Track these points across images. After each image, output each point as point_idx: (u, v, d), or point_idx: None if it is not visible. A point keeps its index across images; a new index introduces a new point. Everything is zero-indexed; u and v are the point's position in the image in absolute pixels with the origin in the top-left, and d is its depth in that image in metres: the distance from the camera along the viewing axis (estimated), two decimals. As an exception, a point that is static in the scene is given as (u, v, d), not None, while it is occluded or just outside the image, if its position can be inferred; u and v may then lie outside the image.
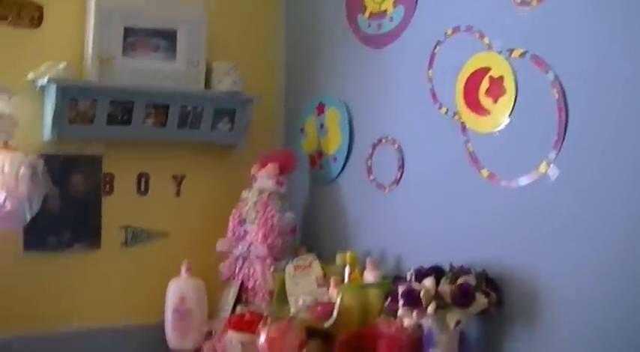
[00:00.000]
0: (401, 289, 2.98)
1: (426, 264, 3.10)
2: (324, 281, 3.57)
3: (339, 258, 3.64)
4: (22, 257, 3.58)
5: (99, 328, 3.77)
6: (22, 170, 3.30)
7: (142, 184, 3.86)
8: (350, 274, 3.50)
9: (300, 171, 3.99)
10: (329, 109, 3.91)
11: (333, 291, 3.49)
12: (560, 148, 2.86)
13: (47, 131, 3.51)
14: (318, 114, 3.96)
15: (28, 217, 3.35)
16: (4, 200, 3.26)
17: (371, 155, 3.68)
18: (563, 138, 2.85)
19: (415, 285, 2.97)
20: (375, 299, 3.37)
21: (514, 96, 3.02)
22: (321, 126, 3.94)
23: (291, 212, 3.84)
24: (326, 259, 3.69)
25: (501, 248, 3.07)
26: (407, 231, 3.49)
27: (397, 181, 3.54)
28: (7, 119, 3.33)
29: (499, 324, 3.05)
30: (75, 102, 3.50)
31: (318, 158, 3.98)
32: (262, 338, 3.25)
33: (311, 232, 3.97)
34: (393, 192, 3.57)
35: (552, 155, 2.88)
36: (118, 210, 3.79)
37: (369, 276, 3.47)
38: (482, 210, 3.16)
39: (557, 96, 2.85)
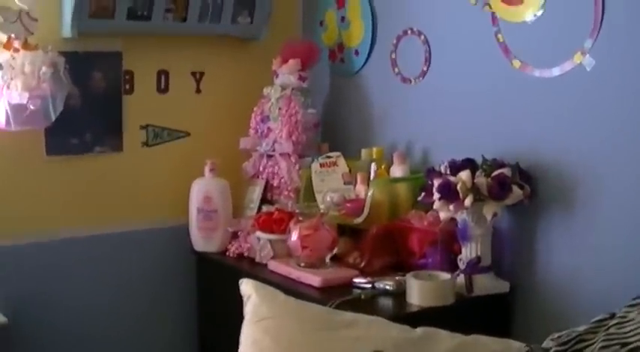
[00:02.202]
0: (436, 182, 2.95)
1: (454, 157, 3.08)
2: (351, 178, 3.54)
3: (364, 154, 3.60)
4: (45, 161, 3.52)
5: (123, 231, 3.75)
6: (44, 69, 3.22)
7: (162, 82, 3.78)
8: (377, 169, 3.47)
9: (321, 66, 3.92)
10: (350, 1, 3.81)
11: (360, 187, 3.47)
12: (596, 37, 2.81)
13: (66, 26, 3.41)
14: (339, 8, 3.88)
15: (53, 116, 3.28)
16: (28, 100, 3.19)
17: (395, 47, 3.61)
18: (600, 26, 2.80)
19: (451, 178, 2.94)
20: (405, 194, 3.36)
21: (549, -16, 2.95)
22: (342, 19, 3.86)
23: (314, 107, 3.78)
24: (350, 155, 3.66)
25: (533, 139, 3.05)
26: (434, 125, 3.46)
27: (423, 74, 3.48)
28: (25, 15, 3.24)
29: (533, 217, 3.06)
30: (95, -6, 3.42)
31: (339, 51, 3.91)
32: (294, 235, 3.23)
33: (333, 128, 3.92)
34: (419, 85, 3.51)
35: (588, 44, 2.83)
36: (138, 109, 3.72)
37: (397, 171, 3.45)
38: (513, 101, 3.13)
39: (594, -18, 2.78)
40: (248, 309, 2.47)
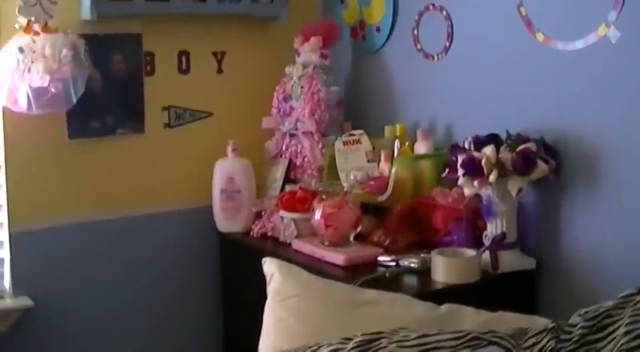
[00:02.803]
0: (460, 158, 2.93)
1: (478, 133, 3.05)
2: (374, 156, 3.51)
3: (387, 131, 3.58)
4: (67, 144, 3.51)
5: (146, 213, 3.74)
6: (64, 51, 3.21)
7: (183, 63, 3.76)
8: (400, 147, 3.45)
9: (341, 44, 3.89)
10: (371, -22, 3.79)
11: (383, 165, 3.45)
12: (621, 9, 2.78)
13: (86, 9, 3.40)
14: (360, -15, 3.85)
15: (74, 99, 3.27)
16: (49, 83, 3.19)
17: (417, 24, 3.57)
18: (625, -3, 2.76)
19: (475, 154, 2.91)
20: (429, 171, 3.35)
21: (572, -44, 2.91)
22: (363, -5, 3.84)
23: (336, 85, 3.76)
24: (373, 133, 3.63)
25: (558, 114, 3.03)
26: (457, 101, 3.43)
27: (446, 50, 3.45)
28: (45, -3, 3.24)
29: (558, 192, 3.04)
30: (114, -24, 3.41)
31: (360, 29, 3.88)
32: (318, 214, 3.23)
33: (355, 106, 3.90)
34: (442, 61, 3.48)
35: (612, 16, 2.80)
36: (159, 90, 3.71)
37: (421, 148, 3.43)
38: (537, 75, 3.10)
39: (619, -49, 2.75)
40: (271, 288, 2.47)
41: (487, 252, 2.97)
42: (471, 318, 2.36)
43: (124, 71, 3.62)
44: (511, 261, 3.00)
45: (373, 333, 2.12)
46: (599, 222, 2.91)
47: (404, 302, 2.44)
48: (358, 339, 2.10)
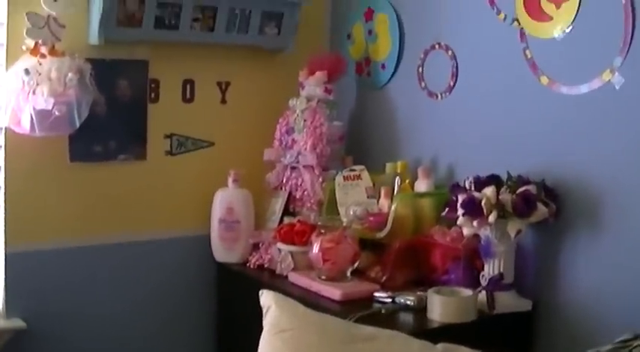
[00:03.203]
0: (461, 198, 2.93)
1: (480, 173, 3.05)
2: (374, 192, 3.52)
3: (389, 167, 3.59)
4: (68, 167, 3.51)
5: (145, 240, 3.74)
6: (70, 75, 3.22)
7: (188, 91, 3.77)
8: (401, 184, 3.45)
9: (347, 79, 3.91)
10: (378, 15, 3.81)
11: (383, 201, 3.46)
12: (626, 55, 2.78)
13: (94, 34, 3.41)
14: (367, 21, 3.86)
15: (78, 123, 3.28)
16: (53, 106, 3.19)
17: (423, 62, 3.59)
18: (630, 44, 2.78)
19: (475, 194, 2.91)
20: (429, 209, 3.34)
21: (578, 1, 2.92)
22: (370, 32, 3.85)
23: (339, 120, 3.77)
24: (374, 169, 3.64)
25: (560, 157, 3.03)
26: (459, 140, 3.44)
27: (450, 89, 3.46)
28: (53, 21, 3.25)
29: (557, 235, 3.03)
30: (123, 2, 3.40)
31: (365, 65, 3.89)
32: (316, 248, 3.22)
33: (358, 141, 3.90)
34: (446, 100, 3.50)
35: (617, 62, 2.81)
36: (163, 118, 3.71)
37: (421, 186, 3.43)
38: (540, 118, 3.10)
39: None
40: (267, 320, 2.46)
41: (484, 293, 2.96)
42: (466, 358, 2.36)
43: (129, 97, 3.63)
44: (508, 301, 2.99)
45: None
46: (598, 265, 2.90)
47: (400, 339, 2.43)
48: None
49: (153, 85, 3.69)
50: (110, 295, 3.68)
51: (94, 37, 3.43)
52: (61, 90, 3.22)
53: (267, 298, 2.52)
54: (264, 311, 2.49)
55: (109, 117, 3.57)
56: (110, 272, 3.68)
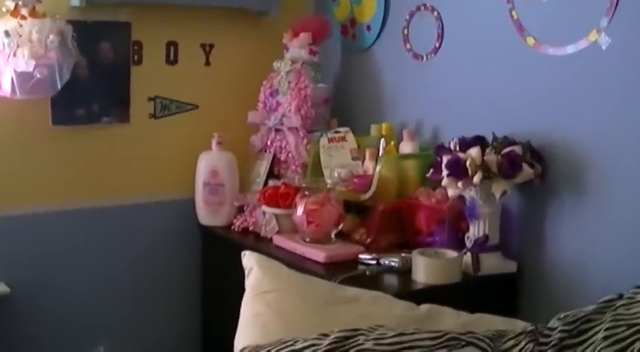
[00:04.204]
0: (445, 159, 2.92)
1: (466, 135, 3.04)
2: (359, 154, 3.50)
3: (373, 130, 3.57)
4: (50, 131, 3.49)
5: (129, 203, 3.72)
6: (51, 37, 3.18)
7: (171, 53, 3.74)
8: (386, 146, 3.43)
9: (332, 41, 3.88)
10: (363, -24, 3.78)
11: (368, 164, 3.44)
12: (612, 16, 2.77)
13: (75, -6, 3.39)
14: (352, -18, 3.84)
15: (59, 85, 3.24)
16: (34, 68, 3.16)
17: (408, 23, 3.56)
18: (617, 4, 2.76)
19: (460, 155, 2.90)
20: (414, 171, 3.34)
21: (564, -40, 2.90)
22: (355, -7, 3.83)
23: (324, 82, 3.74)
24: (359, 131, 3.62)
25: (546, 119, 3.02)
26: (445, 102, 3.42)
27: (436, 51, 3.44)
28: (34, -18, 3.21)
29: (543, 197, 3.02)
30: (104, -37, 3.38)
31: (351, 27, 3.86)
32: (300, 210, 3.21)
33: (343, 103, 3.88)
34: (431, 62, 3.47)
35: (604, 22, 2.79)
36: (146, 80, 3.68)
37: (406, 148, 3.41)
38: (526, 79, 3.09)
39: (611, -42, 2.74)
40: (249, 282, 2.45)
41: (469, 254, 2.96)
42: (450, 319, 2.36)
43: (112, 59, 3.59)
44: (493, 263, 2.99)
45: (350, 330, 2.11)
46: (584, 228, 2.90)
47: (383, 300, 2.43)
48: (335, 335, 2.09)
49: (136, 47, 3.65)
50: (95, 259, 3.67)
51: (75, -1, 3.39)
52: (42, 53, 3.18)
53: (249, 259, 2.50)
54: (246, 272, 2.48)
55: (92, 80, 3.54)
56: (94, 237, 3.67)
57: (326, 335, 2.10)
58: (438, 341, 2.10)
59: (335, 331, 2.11)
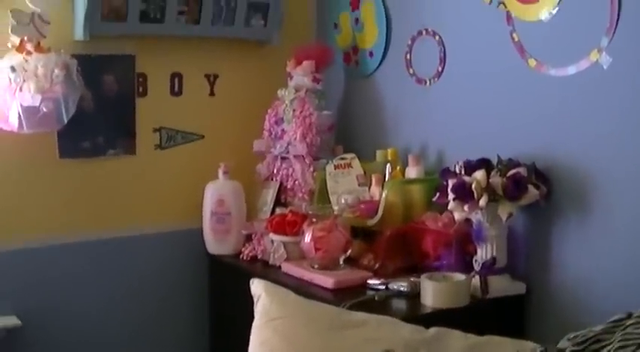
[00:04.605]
0: (451, 182, 2.92)
1: (470, 158, 3.04)
2: (365, 180, 3.51)
3: (379, 155, 3.58)
4: (57, 164, 3.50)
5: (136, 234, 3.73)
6: (56, 71, 3.21)
7: (176, 85, 3.76)
8: (392, 171, 3.44)
9: (335, 68, 3.90)
10: (364, 3, 3.79)
11: (374, 189, 3.45)
12: (613, 35, 2.78)
13: (79, 29, 3.40)
14: (353, 9, 3.85)
15: (65, 119, 3.27)
16: (40, 102, 3.18)
17: (410, 48, 3.58)
18: (617, 24, 2.77)
19: (466, 178, 2.90)
20: (420, 195, 3.34)
21: (564, -18, 2.92)
22: (356, 20, 3.84)
23: (328, 109, 3.76)
24: (365, 157, 3.63)
25: (549, 139, 3.02)
26: (449, 126, 3.43)
27: (439, 75, 3.45)
28: (38, 18, 3.23)
29: (548, 218, 3.03)
30: (107, -3, 3.40)
31: (353, 54, 3.88)
32: (307, 237, 3.21)
33: (348, 130, 3.89)
34: (434, 86, 3.48)
35: (604, 42, 2.80)
36: (151, 112, 3.70)
37: (412, 172, 3.42)
38: (529, 100, 3.09)
39: (610, -21, 2.75)
40: (258, 309, 2.46)
41: (477, 277, 2.96)
42: (458, 342, 2.35)
43: (116, 92, 3.61)
44: (501, 285, 2.99)
45: (359, 354, 2.11)
46: (590, 247, 2.90)
47: (391, 324, 2.43)
48: (344, 361, 2.09)
49: (140, 79, 3.68)
50: (103, 290, 3.67)
51: (79, 33, 3.41)
52: (48, 87, 3.21)
53: (257, 287, 2.51)
54: (255, 299, 2.48)
55: (97, 113, 3.56)
56: (103, 267, 3.67)
57: (335, 361, 2.11)
58: (447, 363, 2.10)
59: (344, 356, 2.12)
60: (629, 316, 2.20)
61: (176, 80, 3.78)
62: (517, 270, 3.08)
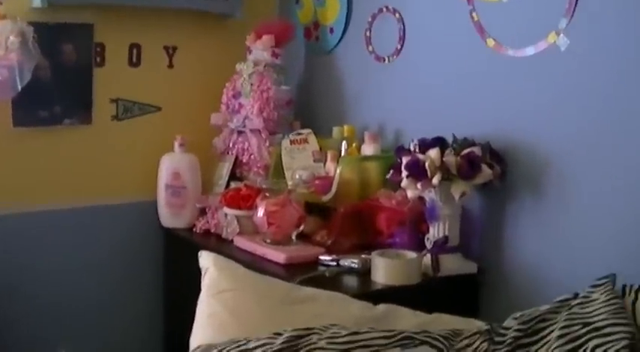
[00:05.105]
0: (405, 160, 2.92)
1: (427, 137, 3.04)
2: (321, 156, 3.50)
3: (336, 132, 3.57)
4: (11, 133, 3.46)
5: (92, 205, 3.70)
6: (11, 38, 3.17)
7: (134, 56, 3.72)
8: (347, 148, 3.43)
9: (295, 44, 3.88)
10: (326, -22, 3.78)
11: (330, 165, 3.44)
12: (571, 17, 2.78)
13: (37, -5, 3.37)
14: (315, -15, 3.84)
15: (19, 86, 3.22)
16: (-6, 69, 3.15)
17: (370, 25, 3.56)
18: (575, 5, 2.77)
19: (420, 156, 2.90)
20: (375, 173, 3.33)
21: (524, -38, 2.91)
22: (319, -5, 3.83)
23: (287, 84, 3.74)
24: (322, 133, 3.62)
25: (506, 120, 3.03)
26: (407, 104, 3.43)
27: (398, 52, 3.44)
28: (-6, -17, 3.20)
29: (503, 198, 3.03)
30: (66, -36, 3.37)
31: (314, 29, 3.87)
32: (260, 212, 3.20)
33: (306, 106, 3.88)
34: (393, 64, 3.48)
35: (563, 24, 2.80)
36: (109, 82, 3.66)
37: (368, 150, 3.41)
38: (487, 80, 3.10)
39: (569, -40, 2.75)
40: (205, 282, 2.45)
41: (429, 255, 2.96)
42: (406, 319, 2.36)
43: (74, 61, 3.57)
44: (453, 264, 2.99)
45: (303, 329, 2.11)
46: (543, 229, 2.91)
47: (340, 300, 2.43)
48: (288, 335, 2.09)
49: (98, 49, 3.63)
50: (58, 262, 3.64)
51: (36, 1, 3.37)
52: (2, 54, 3.17)
53: (205, 259, 2.50)
54: (202, 272, 2.47)
55: (54, 82, 3.51)
56: (57, 239, 3.64)
57: (279, 335, 2.10)
58: (392, 339, 2.10)
59: (288, 330, 2.11)
60: (575, 296, 2.21)
61: (134, 51, 3.73)
62: (471, 250, 3.08)
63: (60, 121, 3.57)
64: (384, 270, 2.87)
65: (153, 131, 3.78)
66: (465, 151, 2.90)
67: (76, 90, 3.60)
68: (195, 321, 2.39)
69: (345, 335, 2.08)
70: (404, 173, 2.92)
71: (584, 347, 1.99)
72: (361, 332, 2.10)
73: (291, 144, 3.53)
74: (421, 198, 3.01)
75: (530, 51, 2.92)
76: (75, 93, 3.60)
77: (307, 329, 2.12)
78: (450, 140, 3.00)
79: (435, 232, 2.99)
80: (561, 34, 2.81)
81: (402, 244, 3.05)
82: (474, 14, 3.10)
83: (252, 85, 3.63)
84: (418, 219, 3.07)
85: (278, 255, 3.10)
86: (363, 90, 3.63)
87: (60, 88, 3.54)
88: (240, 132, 3.68)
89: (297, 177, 3.34)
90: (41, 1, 3.36)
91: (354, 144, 3.43)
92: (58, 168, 3.61)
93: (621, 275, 2.29)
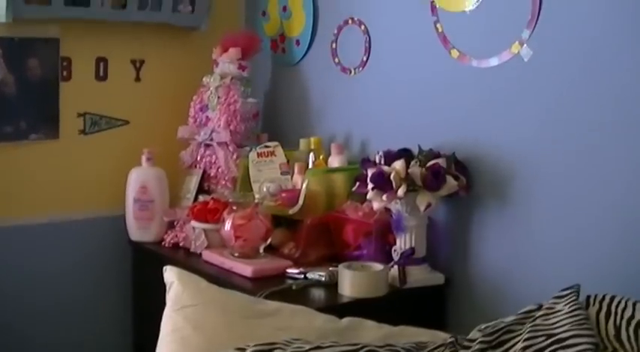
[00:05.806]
0: (370, 172, 2.92)
1: (394, 148, 3.04)
2: (288, 168, 3.50)
3: (302, 144, 3.58)
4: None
5: (59, 220, 3.69)
6: (-24, 53, 3.17)
7: (101, 69, 3.72)
8: (315, 160, 3.44)
9: (262, 56, 3.88)
10: (292, -9, 3.79)
11: (297, 178, 3.44)
12: (534, 28, 2.80)
13: (1, 11, 3.33)
14: (281, -4, 3.85)
15: (-16, 102, 3.23)
16: (-43, 85, 3.14)
17: (336, 37, 3.57)
18: (538, 17, 2.79)
19: (385, 168, 2.90)
20: (341, 184, 3.33)
21: (487, -26, 2.93)
22: (284, 8, 3.82)
23: (254, 97, 3.74)
24: (289, 145, 3.63)
25: (471, 130, 3.04)
26: (373, 115, 3.44)
27: (363, 64, 3.45)
28: (-44, -2, 3.19)
29: (469, 209, 3.04)
30: (30, -21, 3.35)
31: (280, 41, 3.87)
32: (227, 225, 3.19)
33: (273, 118, 3.89)
34: (359, 76, 3.48)
35: (526, 35, 2.82)
36: (76, 96, 3.65)
37: (334, 161, 3.42)
38: (451, 91, 3.11)
39: (531, -28, 2.76)
40: (170, 296, 2.44)
41: (396, 267, 2.96)
42: (371, 332, 2.36)
43: (40, 76, 3.56)
44: (419, 276, 3.00)
45: (267, 344, 2.11)
46: (509, 239, 2.92)
47: (304, 314, 2.42)
48: (251, 349, 2.08)
49: (65, 63, 3.63)
50: (24, 276, 3.62)
51: (1, 15, 3.35)
52: (-33, 69, 3.16)
53: (170, 274, 2.49)
54: (167, 287, 2.46)
55: (20, 97, 3.51)
56: (25, 254, 3.63)
57: (242, 349, 2.10)
58: (355, 353, 2.10)
59: (251, 345, 2.10)
60: (540, 307, 2.22)
61: (101, 65, 3.73)
62: (437, 261, 3.09)
63: (26, 136, 3.56)
64: (350, 283, 2.87)
65: (120, 145, 3.78)
66: (430, 163, 2.90)
67: (42, 104, 3.59)
68: (160, 336, 2.38)
69: (308, 350, 2.07)
70: (369, 185, 2.92)
71: (548, 358, 2.00)
72: (324, 347, 2.09)
73: (258, 156, 3.52)
74: (387, 210, 3.02)
75: (494, 61, 2.93)
76: (41, 108, 3.59)
77: (270, 343, 2.11)
78: (415, 151, 3.01)
79: (401, 244, 2.99)
80: (524, 45, 2.82)
81: (369, 256, 3.04)
82: (438, 25, 3.11)
83: (219, 97, 3.63)
84: (385, 230, 3.07)
85: (245, 269, 3.09)
86: (330, 102, 3.64)
87: (26, 103, 3.53)
88: (207, 146, 3.68)
89: (264, 189, 3.35)
90: (6, 16, 3.34)
91: (321, 156, 3.43)
92: (25, 184, 3.60)
93: (585, 286, 2.29)
